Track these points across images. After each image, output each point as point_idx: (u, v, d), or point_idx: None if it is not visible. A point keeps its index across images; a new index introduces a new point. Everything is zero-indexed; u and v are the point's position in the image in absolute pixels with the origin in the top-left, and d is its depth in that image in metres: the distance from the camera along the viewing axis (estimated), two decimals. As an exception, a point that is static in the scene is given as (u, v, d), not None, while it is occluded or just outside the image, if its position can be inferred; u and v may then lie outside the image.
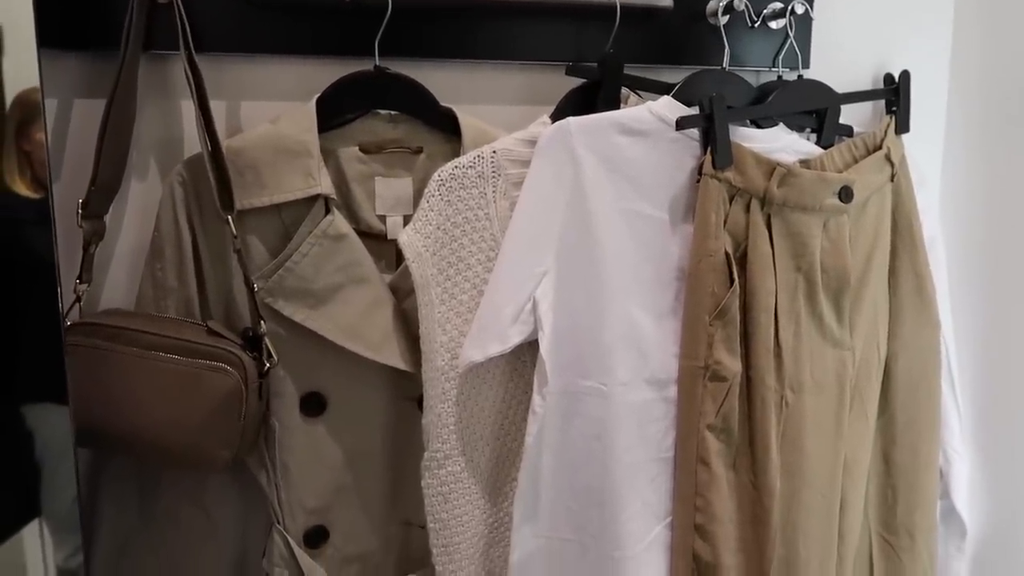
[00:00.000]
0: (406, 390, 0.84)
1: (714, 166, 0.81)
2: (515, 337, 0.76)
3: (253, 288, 0.77)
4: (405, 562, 0.88)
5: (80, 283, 0.78)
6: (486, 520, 0.83)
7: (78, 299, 0.78)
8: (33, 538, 0.81)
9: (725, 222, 0.83)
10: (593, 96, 0.85)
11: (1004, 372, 0.97)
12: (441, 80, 0.85)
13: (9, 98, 0.61)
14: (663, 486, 0.85)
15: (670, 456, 0.85)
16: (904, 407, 0.96)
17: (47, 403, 0.69)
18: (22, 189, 0.62)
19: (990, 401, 0.98)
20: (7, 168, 0.61)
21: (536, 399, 0.77)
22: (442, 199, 0.77)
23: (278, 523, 0.83)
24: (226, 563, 0.87)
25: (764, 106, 0.89)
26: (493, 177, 0.78)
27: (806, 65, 0.97)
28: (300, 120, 0.79)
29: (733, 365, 0.83)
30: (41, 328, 0.67)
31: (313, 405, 0.83)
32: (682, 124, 0.80)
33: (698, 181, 0.82)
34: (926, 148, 1.02)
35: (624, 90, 0.87)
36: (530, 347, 0.81)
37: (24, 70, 0.61)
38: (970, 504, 0.99)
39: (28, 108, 0.60)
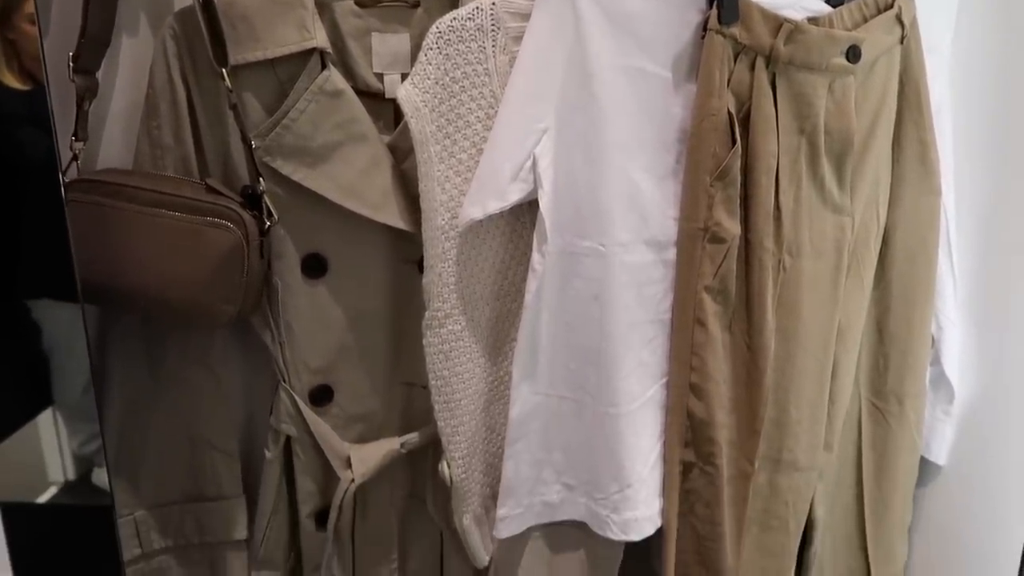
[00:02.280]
0: (407, 253, 0.85)
1: (720, 21, 0.79)
2: (515, 194, 0.76)
3: (251, 145, 0.77)
4: (408, 422, 0.91)
5: (76, 141, 0.77)
6: (486, 378, 0.85)
7: (75, 157, 0.78)
8: (48, 426, 0.83)
9: (729, 81, 0.81)
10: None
11: (1001, 241, 0.97)
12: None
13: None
14: (660, 347, 0.86)
15: (667, 318, 0.86)
16: (901, 276, 0.97)
17: (54, 283, 0.69)
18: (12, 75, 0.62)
19: (986, 270, 0.99)
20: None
21: (535, 257, 0.78)
22: (440, 52, 0.75)
23: (284, 382, 0.86)
24: (234, 421, 0.90)
25: (773, -40, 0.85)
26: (492, 31, 0.76)
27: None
28: None
29: (732, 227, 0.83)
30: (41, 198, 0.67)
31: (314, 267, 0.83)
32: (688, -24, 0.77)
33: (703, 37, 0.80)
34: (939, 12, 0.99)
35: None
36: (530, 208, 0.81)
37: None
38: (960, 370, 1.01)
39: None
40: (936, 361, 1.02)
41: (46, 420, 0.81)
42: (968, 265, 1.00)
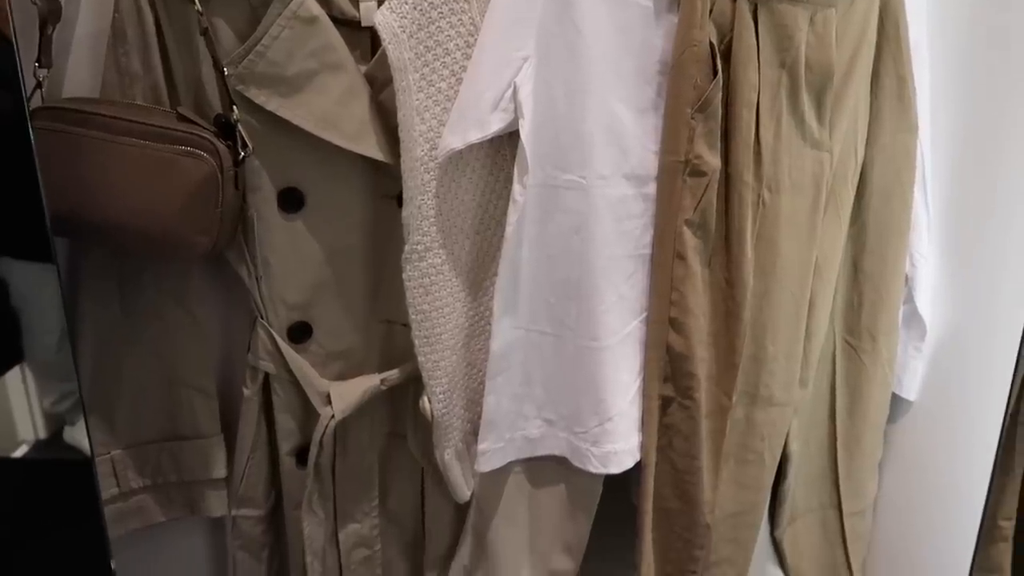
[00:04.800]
0: (385, 187, 0.83)
1: (702, -51, 0.78)
2: (495, 124, 0.75)
3: (223, 72, 0.74)
4: (387, 359, 0.90)
5: (40, 67, 0.74)
6: (467, 313, 0.85)
7: (39, 84, 0.75)
8: (16, 383, 0.81)
9: (711, 11, 0.80)
10: None
11: (976, 178, 0.98)
12: None
13: None
14: (639, 283, 0.87)
15: (647, 253, 0.86)
16: (877, 214, 0.98)
17: (24, 237, 0.67)
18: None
19: (960, 207, 1.00)
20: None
21: (517, 188, 0.77)
22: (417, -25, 0.73)
23: (261, 318, 0.85)
24: (210, 359, 0.89)
25: None
26: (471, -45, 0.74)
27: None
28: None
29: (713, 160, 0.83)
30: (5, 126, 0.64)
31: (291, 201, 0.82)
32: (670, -100, 0.76)
33: (685, -34, 0.79)
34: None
35: None
36: (510, 140, 0.80)
37: None
38: (932, 306, 1.03)
39: None
40: (909, 299, 1.04)
41: (15, 377, 0.80)
42: (942, 201, 1.01)
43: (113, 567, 0.83)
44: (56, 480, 0.83)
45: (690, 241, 0.85)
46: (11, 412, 0.83)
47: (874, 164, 0.96)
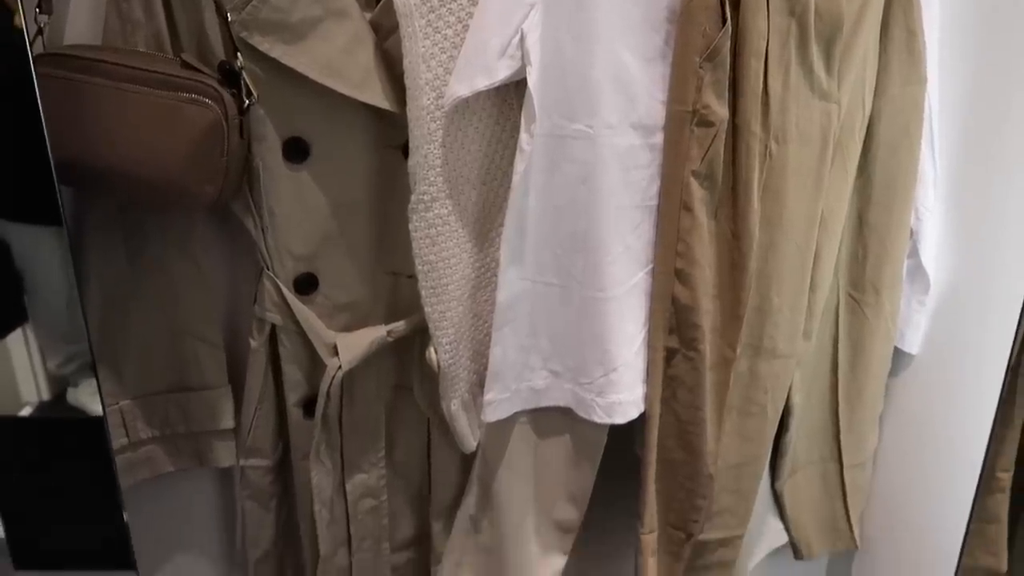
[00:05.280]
0: (391, 137, 0.83)
1: None
2: (503, 71, 0.75)
3: (227, 18, 0.73)
4: (393, 312, 0.91)
5: (40, 13, 0.73)
6: (473, 264, 0.85)
7: (40, 31, 0.74)
8: (19, 346, 0.81)
9: (720, -43, 0.79)
10: None
11: (983, 132, 0.98)
12: None
13: None
14: (646, 234, 0.86)
15: (654, 204, 0.86)
16: (883, 167, 0.97)
17: (32, 195, 0.66)
18: None
19: (967, 161, 0.99)
20: None
21: (524, 137, 0.77)
22: (423, -82, 0.72)
23: (267, 270, 0.85)
24: (217, 310, 0.89)
25: None
26: None
27: None
28: None
29: (721, 110, 0.82)
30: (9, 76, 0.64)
31: (296, 151, 0.81)
32: None
33: (695, -91, 0.77)
34: None
35: None
36: (517, 89, 0.80)
37: None
38: (936, 260, 1.03)
39: None
40: (913, 253, 1.04)
41: (17, 339, 0.80)
42: (949, 155, 1.00)
43: (125, 519, 0.85)
44: (69, 435, 0.84)
45: (697, 192, 0.85)
46: (14, 376, 0.83)
47: (881, 116, 0.95)
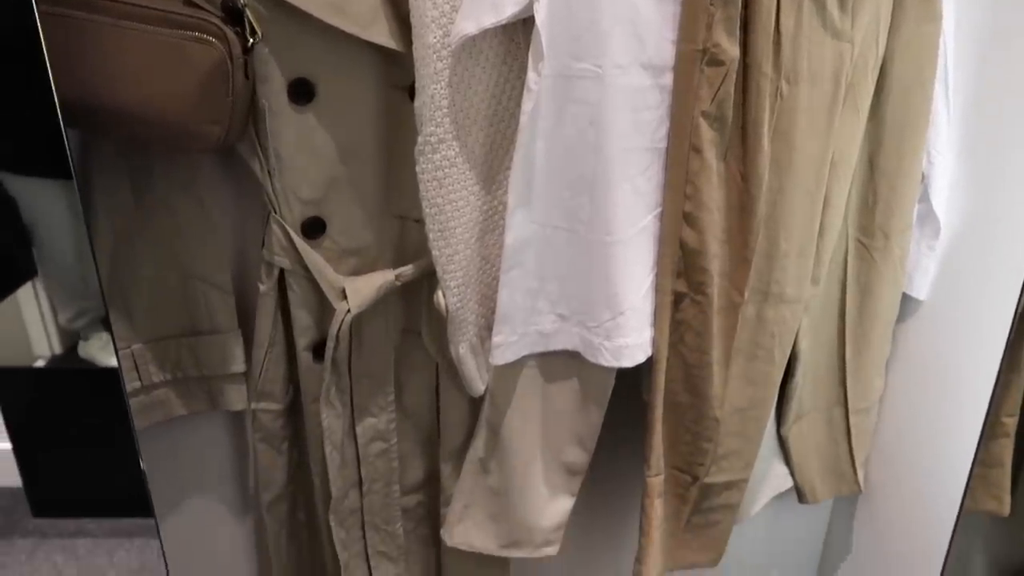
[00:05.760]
0: (397, 78, 0.82)
1: None
2: (510, 7, 0.73)
3: (229, -47, 0.72)
4: (401, 256, 0.91)
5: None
6: (481, 207, 0.84)
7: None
8: (29, 300, 0.81)
9: None
10: None
11: (999, 73, 0.96)
12: None
13: None
14: (654, 176, 0.86)
15: (663, 147, 0.85)
16: (895, 110, 0.96)
17: (41, 148, 0.65)
18: None
19: (981, 100, 0.98)
20: None
21: (531, 76, 0.76)
22: None
23: (275, 213, 0.84)
24: (225, 254, 0.89)
25: None
26: None
27: None
28: None
29: (731, 49, 0.81)
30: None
31: (301, 92, 0.80)
32: None
33: None
34: None
35: None
36: (524, 28, 0.78)
37: None
38: (947, 204, 1.02)
39: None
40: (924, 197, 1.03)
41: (27, 294, 0.80)
42: (963, 96, 0.99)
43: (143, 468, 0.86)
44: (84, 386, 0.85)
45: (706, 134, 0.84)
46: (26, 328, 0.84)
47: (895, 57, 0.93)
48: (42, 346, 0.89)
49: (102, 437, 0.88)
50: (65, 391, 0.91)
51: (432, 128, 0.78)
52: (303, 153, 0.82)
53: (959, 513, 1.11)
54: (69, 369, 0.89)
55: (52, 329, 0.89)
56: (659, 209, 0.87)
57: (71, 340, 0.86)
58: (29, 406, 0.90)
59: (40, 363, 0.91)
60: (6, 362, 0.87)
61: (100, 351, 0.91)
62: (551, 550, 1.02)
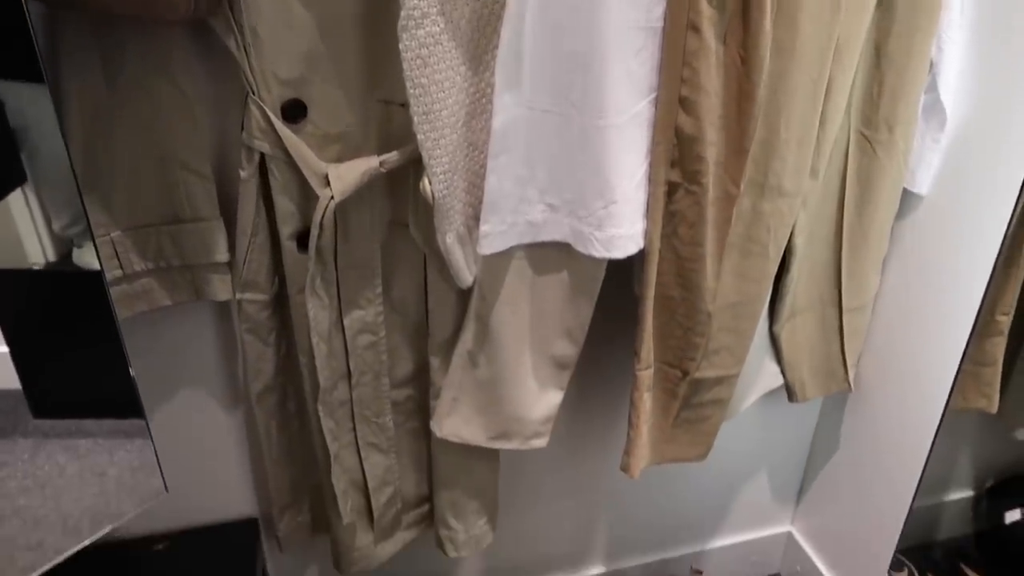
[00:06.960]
0: (378, -52, 0.77)
1: None
2: None
3: None
4: (386, 143, 0.87)
5: None
6: (467, 89, 0.81)
7: None
8: (20, 207, 0.79)
9: None
10: None
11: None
12: None
13: None
14: (650, 59, 0.82)
15: (659, 27, 0.81)
16: (906, -7, 0.91)
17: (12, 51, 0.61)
18: None
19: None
20: None
21: (520, -58, 0.71)
22: None
23: (253, 94, 0.81)
24: (203, 139, 0.86)
25: None
26: None
27: None
28: None
29: (735, -83, 0.76)
30: None
31: (277, -39, 0.76)
32: None
33: None
34: None
35: None
36: None
37: None
38: (956, 93, 0.98)
39: None
40: (932, 88, 0.99)
41: (18, 200, 0.78)
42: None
43: (132, 373, 0.86)
44: (75, 290, 0.84)
45: (705, 11, 0.80)
46: (18, 234, 0.82)
47: (909, -67, 0.88)
48: (36, 253, 0.88)
49: (96, 339, 0.88)
50: (60, 296, 0.90)
51: (415, 1, 0.74)
52: (280, 28, 0.78)
53: (944, 410, 1.12)
54: (63, 272, 0.88)
55: (46, 236, 0.87)
56: (653, 95, 0.84)
57: (65, 247, 0.85)
58: (27, 310, 0.89)
59: (35, 268, 0.91)
60: (1, 265, 0.87)
61: (95, 258, 0.90)
62: (540, 442, 1.03)
